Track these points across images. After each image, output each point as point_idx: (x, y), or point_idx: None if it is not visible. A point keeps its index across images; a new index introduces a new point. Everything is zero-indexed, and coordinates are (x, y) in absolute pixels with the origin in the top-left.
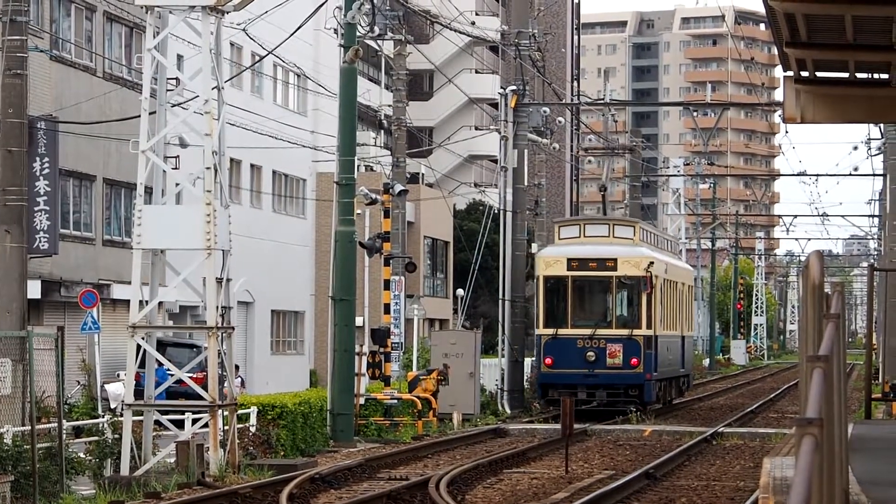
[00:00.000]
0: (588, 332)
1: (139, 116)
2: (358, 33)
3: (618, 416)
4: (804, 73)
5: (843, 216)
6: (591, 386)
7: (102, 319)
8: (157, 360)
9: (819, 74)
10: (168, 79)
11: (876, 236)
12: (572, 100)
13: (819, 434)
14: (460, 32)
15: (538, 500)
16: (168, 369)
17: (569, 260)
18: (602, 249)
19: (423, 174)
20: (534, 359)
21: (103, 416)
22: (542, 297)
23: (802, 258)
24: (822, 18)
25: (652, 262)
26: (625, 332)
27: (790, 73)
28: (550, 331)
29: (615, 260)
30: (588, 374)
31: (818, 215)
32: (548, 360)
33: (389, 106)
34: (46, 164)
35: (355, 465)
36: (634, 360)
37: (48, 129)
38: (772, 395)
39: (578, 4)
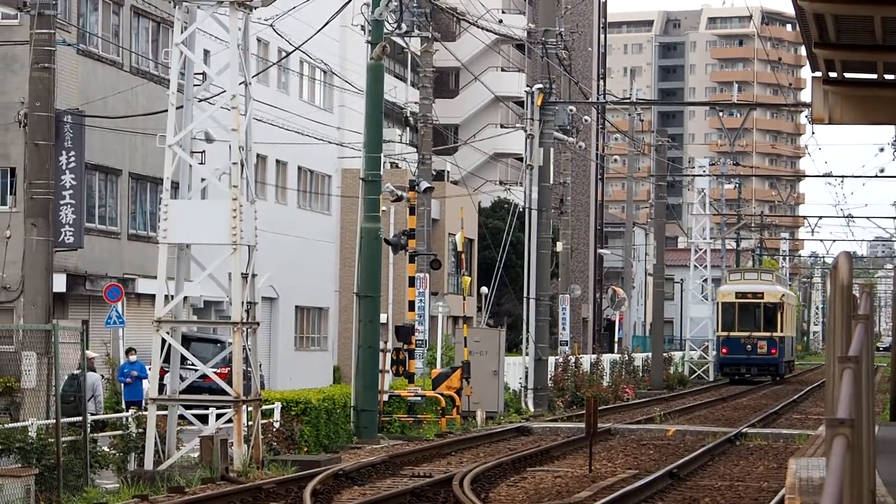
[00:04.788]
0: (747, 334)
1: (166, 111)
2: (385, 30)
3: (763, 382)
4: (832, 74)
5: (868, 217)
6: (748, 365)
7: (127, 314)
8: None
9: (847, 75)
10: (195, 74)
11: None
12: (598, 99)
13: (850, 434)
14: (487, 30)
15: (562, 498)
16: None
17: (735, 293)
18: (755, 287)
19: (448, 171)
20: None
21: (127, 410)
22: (721, 314)
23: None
24: (852, 19)
25: (784, 294)
26: (768, 334)
27: (818, 74)
28: (725, 333)
29: (763, 293)
30: (747, 358)
31: (843, 216)
32: (724, 350)
33: (416, 103)
34: (73, 158)
35: (379, 462)
36: (774, 350)
37: (75, 122)
38: (795, 397)
39: (605, 3)
